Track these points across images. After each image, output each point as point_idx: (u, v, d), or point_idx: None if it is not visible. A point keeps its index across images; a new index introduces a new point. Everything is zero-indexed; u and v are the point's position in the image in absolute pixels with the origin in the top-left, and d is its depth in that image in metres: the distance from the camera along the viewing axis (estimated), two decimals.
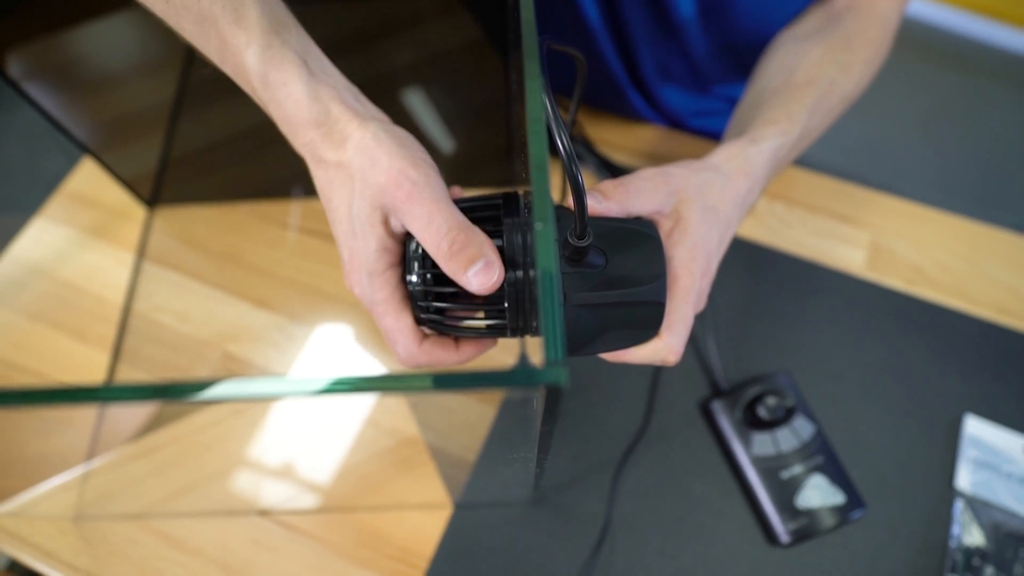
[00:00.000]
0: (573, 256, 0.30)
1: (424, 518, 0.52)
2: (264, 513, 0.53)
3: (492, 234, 0.30)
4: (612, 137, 0.67)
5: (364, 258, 0.31)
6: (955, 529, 0.50)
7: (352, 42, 0.56)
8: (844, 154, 1.00)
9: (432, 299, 0.31)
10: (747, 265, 0.61)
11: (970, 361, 0.57)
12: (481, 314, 0.31)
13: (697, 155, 0.66)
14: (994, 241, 0.63)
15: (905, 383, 0.56)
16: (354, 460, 0.55)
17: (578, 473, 0.53)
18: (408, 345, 0.32)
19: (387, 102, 0.63)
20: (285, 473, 0.54)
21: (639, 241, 0.32)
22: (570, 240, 0.29)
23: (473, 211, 0.31)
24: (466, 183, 0.66)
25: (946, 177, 0.99)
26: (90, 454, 0.55)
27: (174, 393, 0.19)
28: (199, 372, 0.58)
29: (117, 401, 0.19)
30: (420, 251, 0.31)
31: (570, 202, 0.30)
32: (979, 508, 0.51)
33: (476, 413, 0.56)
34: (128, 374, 0.58)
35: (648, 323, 0.32)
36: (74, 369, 0.58)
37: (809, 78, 0.44)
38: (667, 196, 0.35)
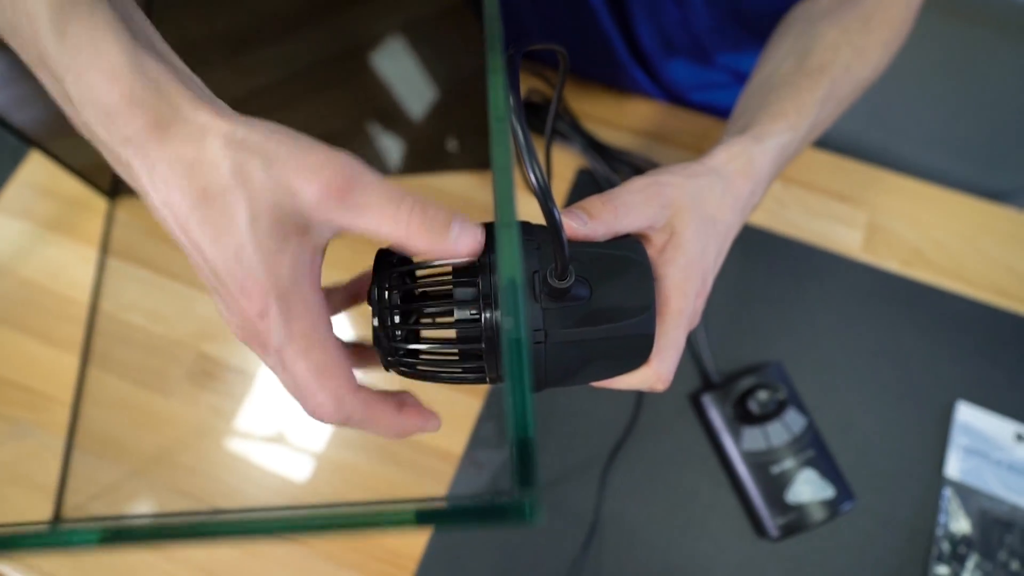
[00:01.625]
0: (554, 293, 0.27)
1: None
2: (252, 511, 0.52)
3: (466, 271, 0.28)
4: (602, 112, 0.63)
5: (272, 280, 0.23)
6: (942, 517, 0.51)
7: (312, 11, 0.52)
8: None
9: (404, 339, 0.29)
10: (741, 249, 0.59)
11: (965, 345, 0.56)
12: (457, 359, 0.29)
13: (695, 132, 0.64)
14: (995, 219, 0.61)
15: (898, 370, 0.55)
16: (337, 459, 0.54)
17: (566, 469, 0.53)
18: (340, 388, 0.25)
19: (352, 76, 0.59)
20: (267, 474, 0.53)
21: (626, 268, 0.30)
22: (550, 281, 0.27)
23: None
24: (444, 167, 0.63)
25: (947, 136, 0.96)
26: (66, 457, 0.54)
27: (128, 537, 0.17)
28: (174, 374, 0.56)
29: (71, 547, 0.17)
30: (386, 299, 0.28)
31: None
32: (967, 495, 0.51)
33: (462, 406, 0.55)
34: (100, 379, 0.56)
35: (636, 354, 0.30)
36: (42, 375, 0.56)
37: (822, 64, 0.40)
38: (660, 209, 0.32)
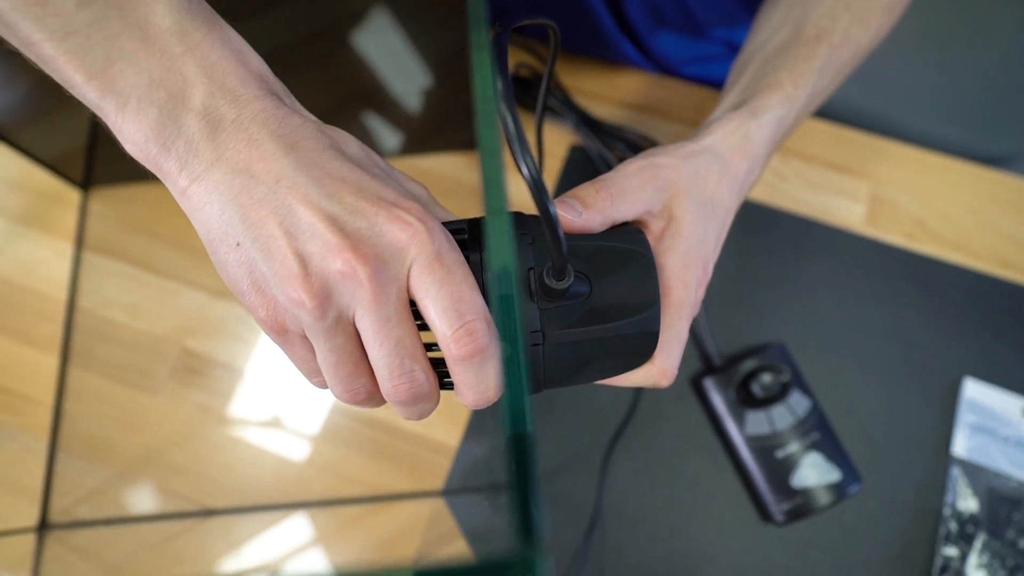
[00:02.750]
0: (551, 292, 0.26)
1: (408, 508, 0.51)
2: (244, 510, 0.51)
3: None
4: (594, 86, 0.61)
5: (416, 206, 0.24)
6: (949, 496, 0.50)
7: None
8: None
9: None
10: (740, 226, 0.57)
11: (971, 319, 0.54)
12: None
13: (690, 104, 0.62)
14: (998, 187, 0.59)
15: (903, 347, 0.54)
16: (331, 454, 0.52)
17: (566, 459, 0.51)
18: (487, 311, 0.24)
19: (331, 56, 0.56)
20: (259, 472, 0.52)
21: (627, 260, 0.28)
22: (547, 282, 0.25)
23: None
24: (429, 148, 0.61)
25: (945, 102, 0.93)
26: (50, 460, 0.52)
27: None
28: (159, 371, 0.54)
29: None
30: None
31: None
32: (974, 473, 0.50)
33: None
34: (81, 378, 0.54)
35: (640, 352, 0.29)
36: (21, 376, 0.54)
37: (819, 31, 0.38)
38: (656, 193, 0.30)
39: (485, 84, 0.20)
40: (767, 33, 0.40)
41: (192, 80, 0.23)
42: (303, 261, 0.22)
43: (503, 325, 0.17)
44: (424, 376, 0.24)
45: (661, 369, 0.30)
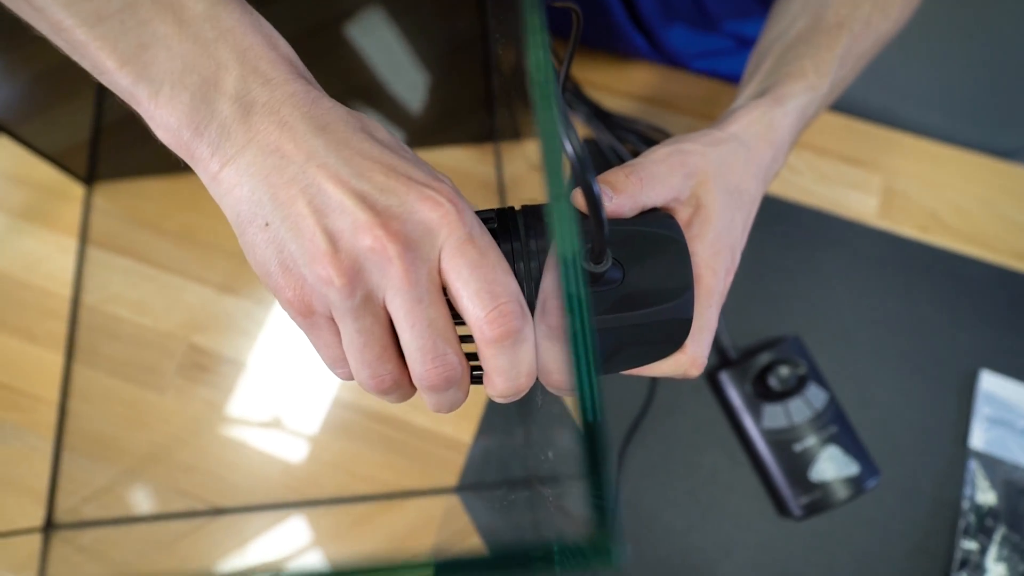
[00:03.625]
0: (587, 276, 0.25)
1: (422, 504, 0.50)
2: (254, 508, 0.50)
3: None
4: (605, 79, 0.60)
5: (445, 185, 0.24)
6: (968, 489, 0.49)
7: None
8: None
9: None
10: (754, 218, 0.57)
11: (986, 312, 0.54)
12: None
13: (700, 97, 0.61)
14: (1012, 179, 0.58)
15: (919, 339, 0.53)
16: (341, 449, 0.51)
17: None
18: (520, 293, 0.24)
19: (333, 50, 0.56)
20: (268, 469, 0.51)
21: (660, 246, 0.27)
22: (584, 265, 0.24)
23: None
24: (438, 141, 0.60)
25: (952, 95, 0.93)
26: (56, 458, 0.51)
27: None
28: (165, 368, 0.53)
29: None
30: None
31: (579, 201, 0.25)
32: (992, 466, 0.50)
33: (472, 392, 0.53)
34: (87, 375, 0.53)
35: (672, 340, 0.28)
36: (26, 373, 0.53)
37: (840, 19, 0.37)
38: (684, 179, 0.30)
39: (540, 68, 0.19)
40: (787, 21, 0.40)
41: (225, 64, 0.22)
42: (332, 238, 0.22)
43: (571, 311, 0.17)
44: (457, 360, 0.24)
45: (692, 358, 0.29)
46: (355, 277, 0.22)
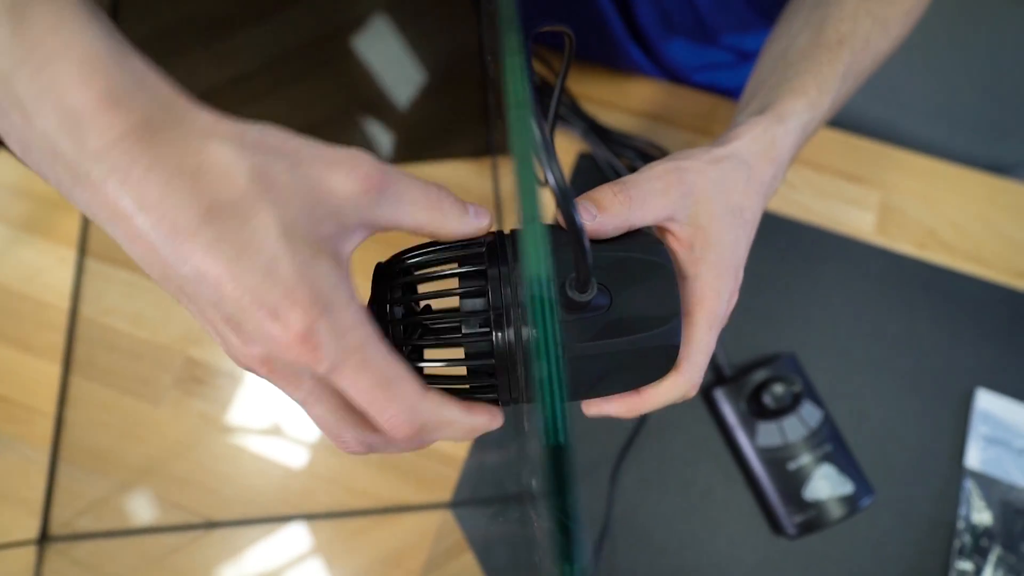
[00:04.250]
0: (572, 304, 0.25)
1: (416, 519, 0.50)
2: (249, 522, 0.50)
3: (475, 293, 0.25)
4: (603, 94, 0.60)
5: (313, 293, 0.20)
6: (963, 509, 0.49)
7: None
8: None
9: (409, 356, 0.26)
10: None
11: (984, 330, 0.54)
12: (467, 386, 0.26)
13: (699, 112, 0.61)
14: (1010, 196, 0.58)
15: (915, 357, 0.53)
16: (336, 465, 0.51)
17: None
18: (412, 394, 0.22)
19: (335, 61, 0.56)
20: (264, 484, 0.51)
21: (648, 272, 0.27)
22: (569, 293, 0.24)
23: (448, 259, 0.26)
24: (436, 155, 0.60)
25: (950, 109, 0.93)
26: (51, 470, 0.51)
27: None
28: (161, 381, 0.53)
29: None
30: (386, 317, 0.26)
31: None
32: (988, 486, 0.50)
33: None
34: (83, 387, 0.53)
35: (659, 366, 0.28)
36: (23, 384, 0.53)
37: (840, 36, 0.37)
38: (681, 198, 0.30)
39: (518, 89, 0.19)
40: (788, 38, 0.40)
41: (49, 135, 0.19)
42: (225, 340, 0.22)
43: (540, 331, 0.17)
44: (353, 440, 0.24)
45: (690, 380, 0.29)
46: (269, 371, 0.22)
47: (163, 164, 0.19)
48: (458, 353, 0.26)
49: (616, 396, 0.29)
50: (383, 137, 0.61)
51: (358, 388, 0.22)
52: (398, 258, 0.27)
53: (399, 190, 0.23)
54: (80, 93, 0.18)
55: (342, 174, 0.21)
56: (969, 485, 0.50)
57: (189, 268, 0.19)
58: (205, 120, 0.20)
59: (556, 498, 0.15)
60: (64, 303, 0.55)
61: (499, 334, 0.25)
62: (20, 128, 0.19)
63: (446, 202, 0.24)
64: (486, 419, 0.26)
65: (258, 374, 0.22)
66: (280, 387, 0.23)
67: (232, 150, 0.20)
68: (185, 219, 0.19)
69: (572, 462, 0.17)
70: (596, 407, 0.30)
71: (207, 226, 0.19)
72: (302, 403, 0.23)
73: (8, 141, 0.20)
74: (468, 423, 0.25)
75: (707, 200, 0.30)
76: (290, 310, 0.20)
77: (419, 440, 0.25)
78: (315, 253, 0.21)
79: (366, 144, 0.61)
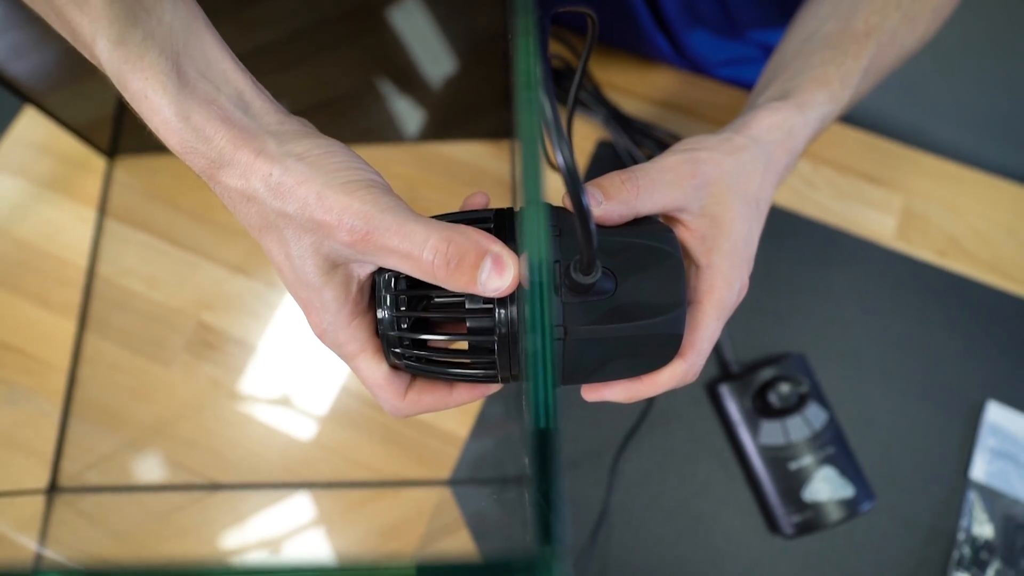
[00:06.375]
0: (577, 287, 0.25)
1: (414, 495, 0.51)
2: (251, 487, 0.51)
3: None
4: (625, 82, 0.60)
5: (321, 310, 0.27)
6: (965, 521, 0.49)
7: None
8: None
9: (410, 346, 0.27)
10: (765, 231, 0.56)
11: (999, 342, 0.53)
12: (467, 360, 0.26)
13: (723, 105, 0.60)
14: None
15: (927, 365, 0.52)
16: (339, 437, 0.52)
17: (577, 457, 0.51)
18: (392, 400, 0.29)
19: (361, 35, 0.56)
20: (267, 450, 0.52)
21: (655, 259, 0.27)
22: (573, 276, 0.24)
23: None
24: (456, 134, 0.60)
25: (982, 115, 0.91)
26: (63, 424, 0.52)
27: None
28: (173, 343, 0.54)
29: None
30: (391, 286, 0.26)
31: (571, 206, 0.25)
32: (991, 499, 0.49)
33: None
34: (97, 345, 0.54)
35: (662, 353, 0.28)
36: (39, 338, 0.54)
37: (868, 28, 0.36)
38: (694, 189, 0.29)
39: (527, 70, 0.19)
40: (815, 23, 0.38)
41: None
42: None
43: (533, 315, 0.17)
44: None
45: (693, 366, 0.29)
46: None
47: (230, 188, 0.25)
48: (460, 328, 0.26)
49: (616, 381, 0.29)
50: (404, 114, 0.61)
51: (359, 376, 0.29)
52: None
53: (384, 244, 0.24)
54: (171, 142, 0.24)
55: (333, 227, 0.24)
56: (972, 497, 0.49)
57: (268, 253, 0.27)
58: (246, 158, 0.24)
59: (539, 481, 0.16)
60: (82, 261, 0.56)
61: (502, 311, 0.25)
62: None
63: (439, 264, 0.24)
64: (466, 397, 0.30)
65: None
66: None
67: (262, 189, 0.25)
68: (253, 225, 0.26)
69: (557, 447, 0.17)
70: (596, 392, 0.30)
71: (264, 234, 0.26)
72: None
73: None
74: (450, 401, 0.30)
75: (722, 192, 0.30)
76: (310, 313, 0.27)
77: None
78: (325, 279, 0.26)
79: (387, 120, 0.61)
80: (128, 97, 0.24)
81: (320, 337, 0.28)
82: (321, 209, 0.24)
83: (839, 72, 0.35)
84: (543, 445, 0.16)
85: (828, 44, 0.36)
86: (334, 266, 0.26)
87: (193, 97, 0.24)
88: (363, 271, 0.26)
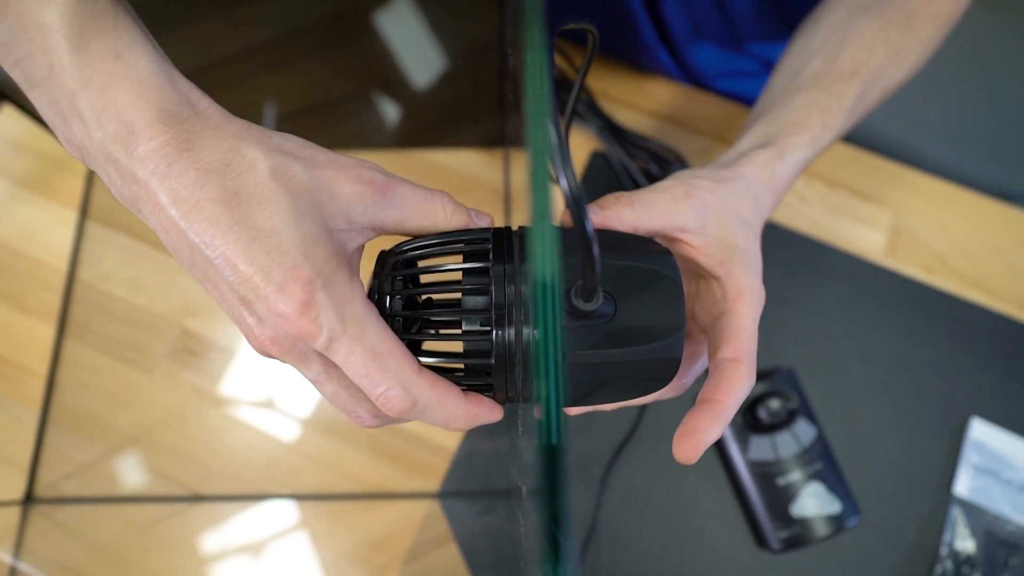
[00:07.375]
0: (576, 311, 0.25)
1: (402, 507, 0.50)
2: (234, 498, 0.50)
3: (478, 291, 0.25)
4: (622, 93, 0.60)
5: (315, 267, 0.22)
6: (947, 536, 0.49)
7: None
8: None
9: (415, 351, 0.26)
10: None
11: (984, 359, 0.54)
12: (464, 386, 0.26)
13: (718, 118, 0.60)
14: (1022, 226, 0.58)
15: (914, 381, 0.53)
16: (326, 447, 0.51)
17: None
18: (404, 369, 0.23)
19: (354, 38, 0.55)
20: (251, 460, 0.51)
21: (654, 283, 0.27)
22: (574, 302, 0.24)
23: (452, 252, 0.26)
24: (448, 142, 0.59)
25: (970, 133, 0.92)
26: (40, 432, 0.51)
27: None
28: (156, 350, 0.53)
29: None
30: (387, 305, 0.25)
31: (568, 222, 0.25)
32: (974, 514, 0.50)
33: None
34: (76, 351, 0.53)
35: (658, 378, 0.28)
36: (16, 343, 0.53)
37: (855, 66, 0.37)
38: (691, 211, 0.30)
39: (537, 85, 0.19)
40: (802, 59, 0.39)
41: (89, 122, 0.22)
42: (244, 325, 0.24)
43: (544, 330, 0.17)
44: (366, 414, 0.25)
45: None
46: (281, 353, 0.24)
47: (197, 164, 0.22)
48: (456, 348, 0.25)
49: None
50: (396, 120, 0.60)
51: (352, 361, 0.23)
52: (401, 247, 0.26)
53: (401, 195, 0.25)
54: (134, 111, 0.21)
55: (350, 177, 0.23)
56: (955, 512, 0.50)
57: (211, 251, 0.21)
58: (237, 127, 0.23)
59: (547, 498, 0.15)
60: (62, 264, 0.55)
61: (499, 333, 0.24)
62: (80, 136, 0.22)
63: (446, 208, 0.26)
64: (485, 411, 0.26)
65: (275, 358, 0.24)
66: (295, 368, 0.24)
67: (256, 150, 0.22)
68: (211, 207, 0.21)
69: (566, 462, 0.16)
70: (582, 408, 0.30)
71: (229, 212, 0.21)
72: (315, 383, 0.24)
73: (68, 145, 0.23)
74: (464, 409, 0.25)
75: (720, 213, 0.30)
76: (294, 283, 0.22)
77: (416, 417, 0.25)
78: (321, 239, 0.23)
79: (378, 126, 0.60)
80: (82, 60, 0.21)
81: (298, 319, 0.22)
82: (335, 166, 0.23)
83: (822, 115, 0.36)
84: (552, 462, 0.16)
85: (813, 83, 0.37)
86: (331, 228, 0.23)
87: (172, 67, 0.23)
88: (355, 242, 0.24)
